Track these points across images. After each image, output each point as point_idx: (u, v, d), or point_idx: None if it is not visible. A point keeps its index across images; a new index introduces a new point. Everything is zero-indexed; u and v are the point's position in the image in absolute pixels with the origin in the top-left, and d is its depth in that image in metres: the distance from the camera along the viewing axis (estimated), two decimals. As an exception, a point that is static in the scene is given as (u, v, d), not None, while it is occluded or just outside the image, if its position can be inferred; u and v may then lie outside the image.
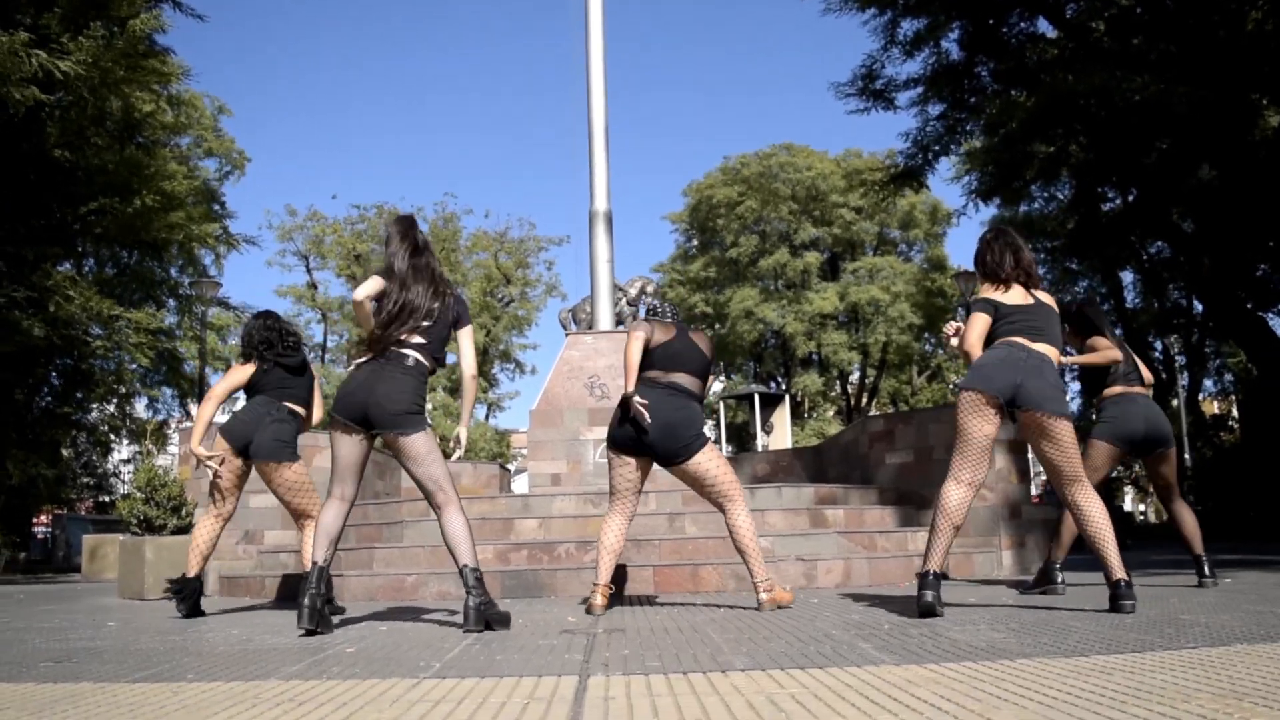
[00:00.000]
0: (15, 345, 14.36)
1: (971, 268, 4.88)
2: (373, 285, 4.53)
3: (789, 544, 7.03)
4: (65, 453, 26.76)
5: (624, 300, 14.40)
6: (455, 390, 32.40)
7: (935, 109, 16.04)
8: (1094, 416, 5.94)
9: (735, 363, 39.55)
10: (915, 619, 4.26)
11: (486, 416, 36.77)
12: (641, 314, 15.08)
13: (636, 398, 4.91)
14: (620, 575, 6.02)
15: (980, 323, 4.54)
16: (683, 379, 5.05)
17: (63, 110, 14.72)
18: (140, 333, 16.13)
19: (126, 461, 33.27)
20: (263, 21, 77.44)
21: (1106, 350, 5.74)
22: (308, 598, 4.23)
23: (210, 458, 5.67)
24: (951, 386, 39.95)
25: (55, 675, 3.19)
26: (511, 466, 29.07)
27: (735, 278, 38.04)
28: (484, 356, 34.95)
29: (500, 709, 2.34)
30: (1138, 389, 5.86)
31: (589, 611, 4.94)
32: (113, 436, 28.83)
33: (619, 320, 13.41)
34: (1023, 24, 15.65)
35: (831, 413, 39.98)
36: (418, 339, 4.47)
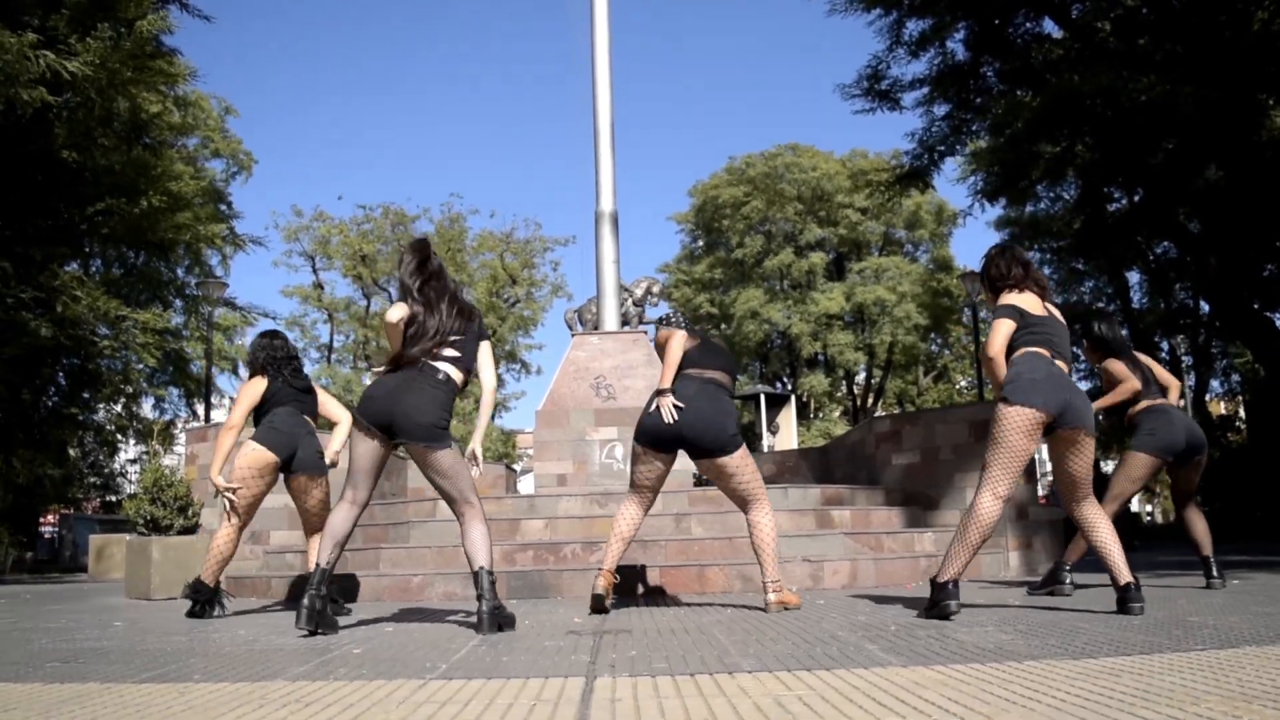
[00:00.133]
0: (23, 347, 14.39)
1: (976, 267, 4.89)
2: (404, 309, 4.52)
3: (795, 545, 7.02)
4: (72, 452, 26.81)
5: (630, 301, 14.39)
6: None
7: (941, 109, 16.02)
8: (1129, 430, 5.95)
9: (741, 363, 39.51)
10: (922, 620, 4.25)
11: (492, 417, 36.80)
12: (648, 314, 15.07)
13: (671, 397, 4.95)
14: (626, 575, 6.01)
15: (1006, 328, 4.48)
16: (720, 376, 5.12)
17: (70, 111, 14.74)
18: (147, 333, 16.14)
19: (133, 461, 33.33)
20: (268, 22, 77.56)
21: (1127, 383, 5.74)
22: (307, 599, 4.24)
23: (229, 489, 5.68)
24: (959, 388, 39.90)
25: (62, 675, 3.19)
26: (517, 467, 29.10)
27: (741, 278, 38.03)
28: (489, 356, 34.92)
29: (507, 710, 2.34)
30: (1163, 400, 5.90)
31: (594, 592, 4.95)
32: (119, 436, 28.87)
33: (625, 321, 13.41)
34: (1028, 24, 15.62)
35: (838, 413, 39.94)
36: (451, 352, 4.50)
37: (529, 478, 15.42)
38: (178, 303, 24.20)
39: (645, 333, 12.48)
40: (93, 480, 31.93)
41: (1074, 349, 4.82)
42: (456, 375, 4.49)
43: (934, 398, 39.03)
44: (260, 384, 5.81)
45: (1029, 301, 4.55)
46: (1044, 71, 15.24)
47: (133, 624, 5.39)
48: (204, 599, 5.61)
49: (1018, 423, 4.29)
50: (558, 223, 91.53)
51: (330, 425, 6.15)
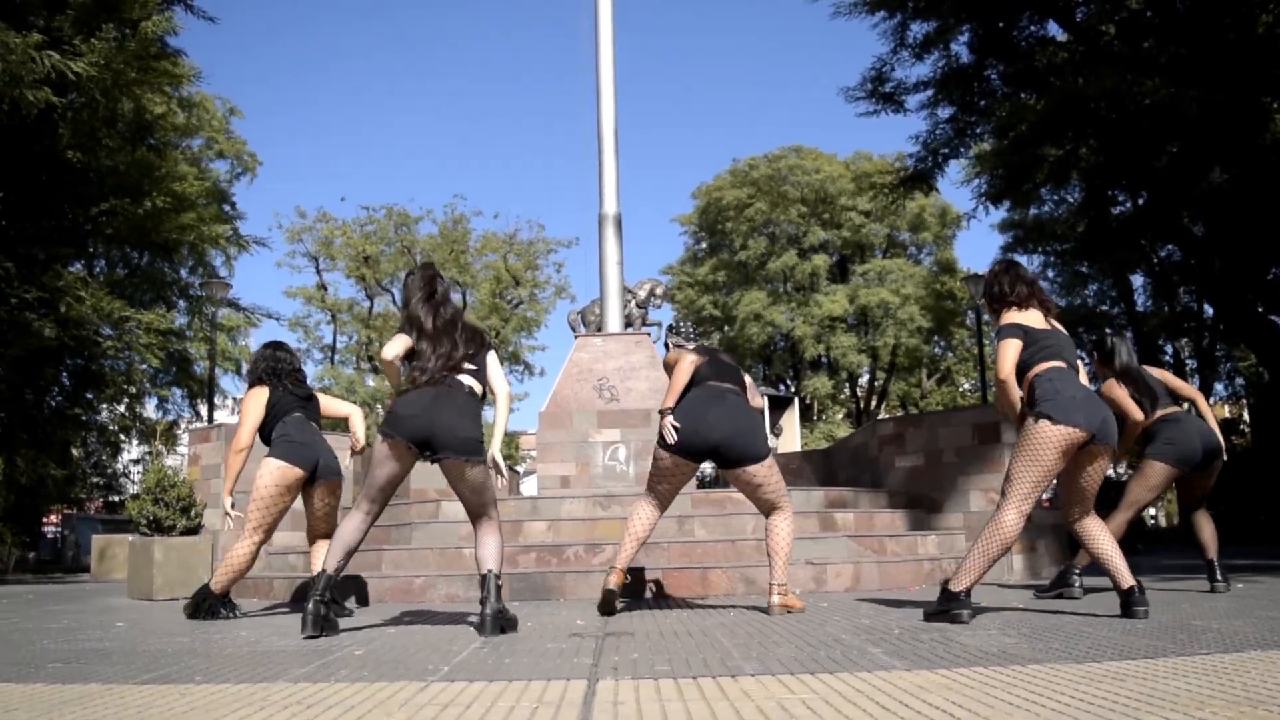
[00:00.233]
0: (27, 347, 14.41)
1: (980, 271, 4.89)
2: (399, 345, 4.53)
3: (798, 547, 7.00)
4: (75, 453, 26.84)
5: (633, 303, 14.39)
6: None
7: (945, 112, 15.97)
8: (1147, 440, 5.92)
9: (744, 365, 39.48)
10: (925, 624, 4.24)
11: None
12: (651, 316, 15.07)
13: (671, 418, 4.99)
14: (630, 577, 6.01)
15: (1014, 349, 4.44)
16: (733, 387, 5.15)
17: (75, 112, 14.76)
18: (150, 333, 16.16)
19: (136, 462, 33.35)
20: (273, 24, 77.65)
21: (1131, 415, 5.58)
22: (313, 604, 4.24)
23: (236, 515, 5.71)
24: (963, 390, 39.86)
25: (63, 676, 3.19)
26: (520, 468, 29.10)
27: (744, 280, 38.02)
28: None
29: (509, 713, 2.33)
30: (1178, 409, 5.90)
31: (606, 593, 4.95)
32: (122, 437, 28.90)
33: (628, 322, 13.41)
34: (1033, 27, 15.59)
35: (841, 415, 39.92)
36: (469, 365, 4.53)
37: (532, 479, 15.41)
38: (181, 303, 24.25)
39: (649, 334, 12.48)
40: (96, 480, 31.97)
41: (1079, 354, 4.79)
42: (478, 388, 4.54)
43: (937, 400, 38.98)
44: (262, 395, 5.79)
45: (1032, 318, 4.53)
46: (1048, 74, 15.21)
47: (135, 625, 5.39)
48: (209, 605, 5.58)
49: (1057, 442, 4.24)
50: (561, 224, 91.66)
51: (334, 425, 6.15)
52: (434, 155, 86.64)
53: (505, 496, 10.81)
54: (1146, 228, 19.83)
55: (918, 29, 15.28)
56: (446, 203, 51.05)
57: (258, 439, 5.81)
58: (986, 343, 22.84)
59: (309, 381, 6.15)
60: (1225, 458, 5.95)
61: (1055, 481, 4.59)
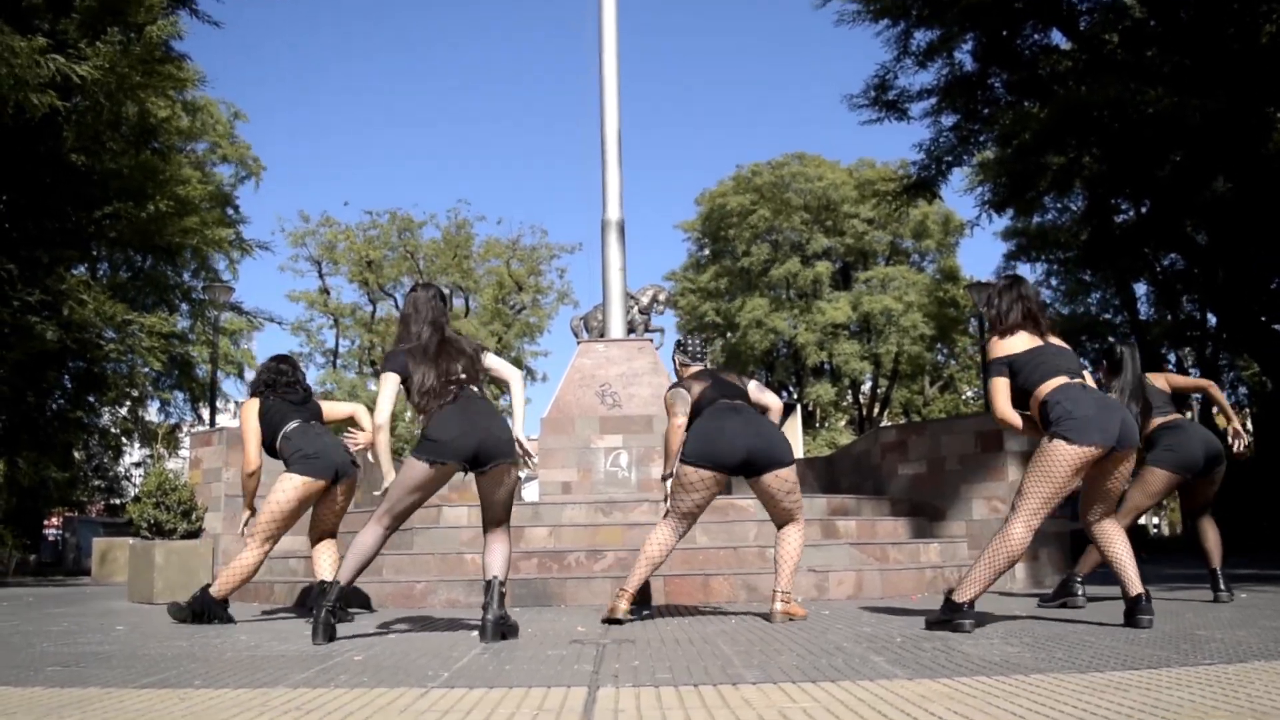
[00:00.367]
0: (29, 350, 14.40)
1: (983, 279, 4.89)
2: (390, 391, 4.55)
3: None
4: (77, 455, 26.83)
5: (636, 308, 14.38)
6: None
7: (948, 120, 15.97)
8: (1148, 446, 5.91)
9: (746, 372, 39.34)
10: (927, 632, 4.23)
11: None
12: (654, 322, 15.06)
13: (673, 480, 5.08)
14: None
15: (1002, 387, 4.48)
16: (742, 402, 5.19)
17: (79, 115, 14.77)
18: (153, 337, 16.16)
19: (138, 465, 33.36)
20: (277, 29, 77.79)
21: None
22: (324, 613, 4.23)
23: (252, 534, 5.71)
24: (965, 398, 39.82)
25: (62, 680, 3.19)
26: (522, 474, 29.06)
27: (746, 287, 38.00)
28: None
29: (509, 720, 2.32)
30: (1179, 416, 5.90)
31: (610, 614, 4.93)
32: (124, 440, 28.90)
33: (631, 328, 13.40)
34: (1036, 36, 15.60)
35: (843, 423, 39.87)
36: (466, 376, 4.56)
37: (533, 485, 15.40)
38: (184, 307, 24.25)
39: (651, 340, 12.47)
40: (97, 483, 31.96)
41: (1083, 363, 4.78)
42: (487, 394, 4.64)
43: (940, 408, 38.95)
44: (254, 407, 5.81)
45: (1017, 342, 4.50)
46: (1052, 83, 15.22)
47: (135, 628, 5.38)
48: (207, 606, 5.57)
49: (1073, 461, 4.21)
50: (564, 230, 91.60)
51: (338, 429, 6.12)
52: (437, 160, 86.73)
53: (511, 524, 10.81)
54: (1149, 236, 19.83)
55: (921, 37, 15.31)
56: (450, 208, 51.02)
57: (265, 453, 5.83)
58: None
59: (312, 386, 6.15)
60: (1225, 462, 5.93)
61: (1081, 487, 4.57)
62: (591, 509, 8.18)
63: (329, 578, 5.46)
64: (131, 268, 22.31)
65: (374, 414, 4.68)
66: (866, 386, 39.19)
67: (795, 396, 36.90)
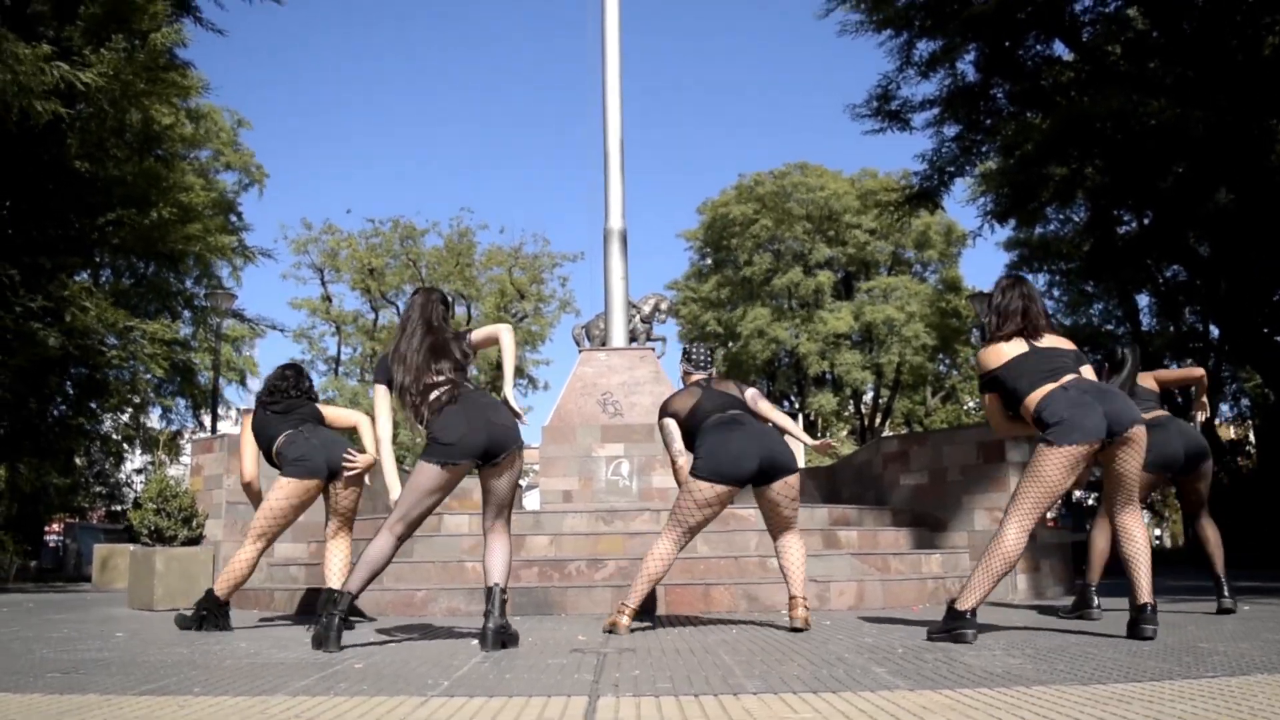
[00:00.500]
0: (31, 356, 14.41)
1: (985, 289, 4.88)
2: (383, 404, 4.61)
3: (805, 577, 6.98)
4: (79, 461, 26.83)
5: (638, 317, 14.39)
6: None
7: (951, 130, 16.01)
8: None
9: (748, 381, 39.41)
10: (929, 643, 4.22)
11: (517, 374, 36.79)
12: (656, 331, 15.05)
13: (693, 465, 5.08)
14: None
15: (994, 404, 4.60)
16: (738, 412, 5.18)
17: (83, 122, 14.80)
18: (155, 343, 16.17)
19: (139, 471, 33.35)
20: (281, 37, 78.01)
21: None
22: (336, 620, 4.23)
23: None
24: (967, 409, 39.79)
25: (62, 687, 3.18)
26: (523, 482, 29.05)
27: (748, 296, 38.01)
28: (497, 371, 34.94)
29: (509, 729, 2.31)
30: (1163, 413, 5.88)
31: (610, 630, 4.91)
32: (126, 446, 28.90)
33: (633, 337, 13.41)
34: (1039, 46, 15.62)
35: (845, 432, 39.85)
36: (454, 368, 4.57)
37: (534, 493, 15.38)
38: (186, 313, 24.28)
39: (653, 349, 12.47)
40: (98, 489, 31.96)
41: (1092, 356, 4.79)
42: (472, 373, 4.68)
43: (942, 418, 38.92)
44: (248, 420, 5.89)
45: (1001, 354, 4.53)
46: (1054, 94, 15.24)
47: (134, 635, 5.37)
48: (208, 609, 5.58)
49: (1058, 462, 4.25)
50: (566, 238, 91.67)
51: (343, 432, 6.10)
52: (440, 168, 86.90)
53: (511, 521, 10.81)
54: (1152, 248, 19.84)
55: (924, 48, 15.35)
56: (452, 216, 51.13)
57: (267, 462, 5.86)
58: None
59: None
60: (1210, 459, 5.90)
61: (1059, 502, 4.57)
62: (592, 518, 8.18)
63: (337, 585, 5.45)
64: (134, 274, 22.33)
65: (375, 428, 4.68)
66: (868, 396, 39.19)
67: (797, 406, 36.92)
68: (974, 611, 4.28)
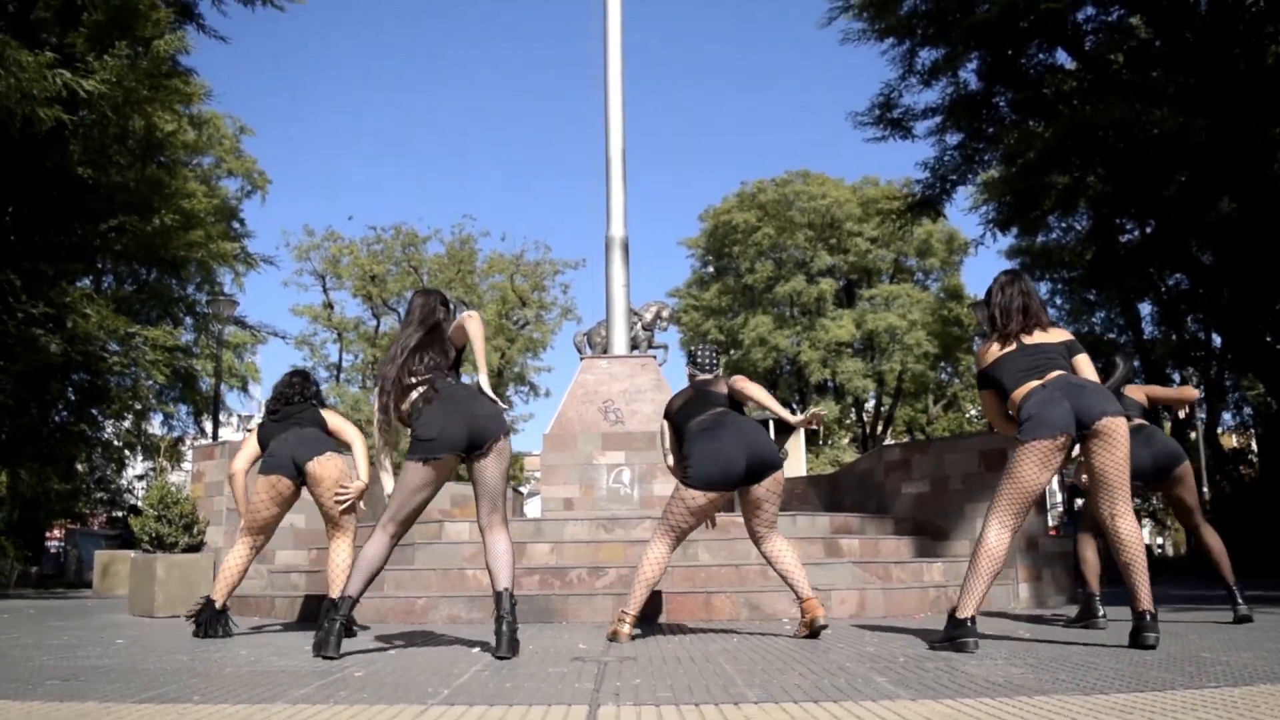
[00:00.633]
0: (32, 362, 14.42)
1: (984, 297, 4.87)
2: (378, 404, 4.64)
3: (807, 575, 6.96)
4: (80, 468, 26.83)
5: (639, 325, 14.38)
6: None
7: (953, 138, 16.00)
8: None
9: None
10: (931, 652, 4.21)
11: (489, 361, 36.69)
12: (657, 338, 15.05)
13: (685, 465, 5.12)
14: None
15: (990, 400, 4.72)
16: (724, 410, 5.22)
17: (86, 128, 14.83)
18: (156, 350, 16.20)
19: (140, 477, 33.33)
20: (284, 44, 78.17)
21: None
22: (337, 625, 4.23)
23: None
24: (969, 417, 39.75)
25: (61, 694, 3.17)
26: (524, 489, 29.04)
27: (750, 304, 38.02)
28: (499, 379, 34.94)
29: (509, 738, 2.30)
30: (1140, 422, 5.85)
31: (613, 639, 4.90)
32: (127, 453, 28.89)
33: (634, 345, 13.40)
34: (1041, 55, 15.63)
35: (847, 440, 39.82)
36: (435, 366, 4.58)
37: (535, 500, 15.38)
38: (188, 320, 24.29)
39: (654, 357, 12.46)
40: (100, 495, 31.94)
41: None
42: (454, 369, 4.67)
43: (944, 426, 38.89)
44: (253, 429, 5.98)
45: (992, 350, 4.63)
46: (1056, 102, 15.24)
47: (135, 642, 5.36)
48: (207, 618, 5.60)
49: (1027, 458, 4.34)
50: (568, 245, 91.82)
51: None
52: (442, 176, 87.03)
53: (509, 518, 10.80)
54: (1154, 256, 19.80)
55: (926, 56, 15.35)
56: (454, 223, 51.15)
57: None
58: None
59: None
60: (1184, 464, 5.85)
61: (1061, 509, 4.56)
62: (593, 525, 8.17)
63: (335, 592, 5.46)
64: (136, 281, 22.36)
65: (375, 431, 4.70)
66: (870, 404, 39.17)
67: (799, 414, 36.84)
68: (974, 620, 4.27)
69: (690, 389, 5.41)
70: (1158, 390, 6.22)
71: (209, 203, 20.64)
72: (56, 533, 32.41)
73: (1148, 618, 4.22)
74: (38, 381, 16.31)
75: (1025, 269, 27.63)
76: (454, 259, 34.43)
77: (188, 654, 4.57)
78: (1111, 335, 29.39)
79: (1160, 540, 46.17)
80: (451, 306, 4.89)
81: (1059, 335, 4.60)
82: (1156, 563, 28.38)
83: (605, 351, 12.29)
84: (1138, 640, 4.21)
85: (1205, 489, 27.21)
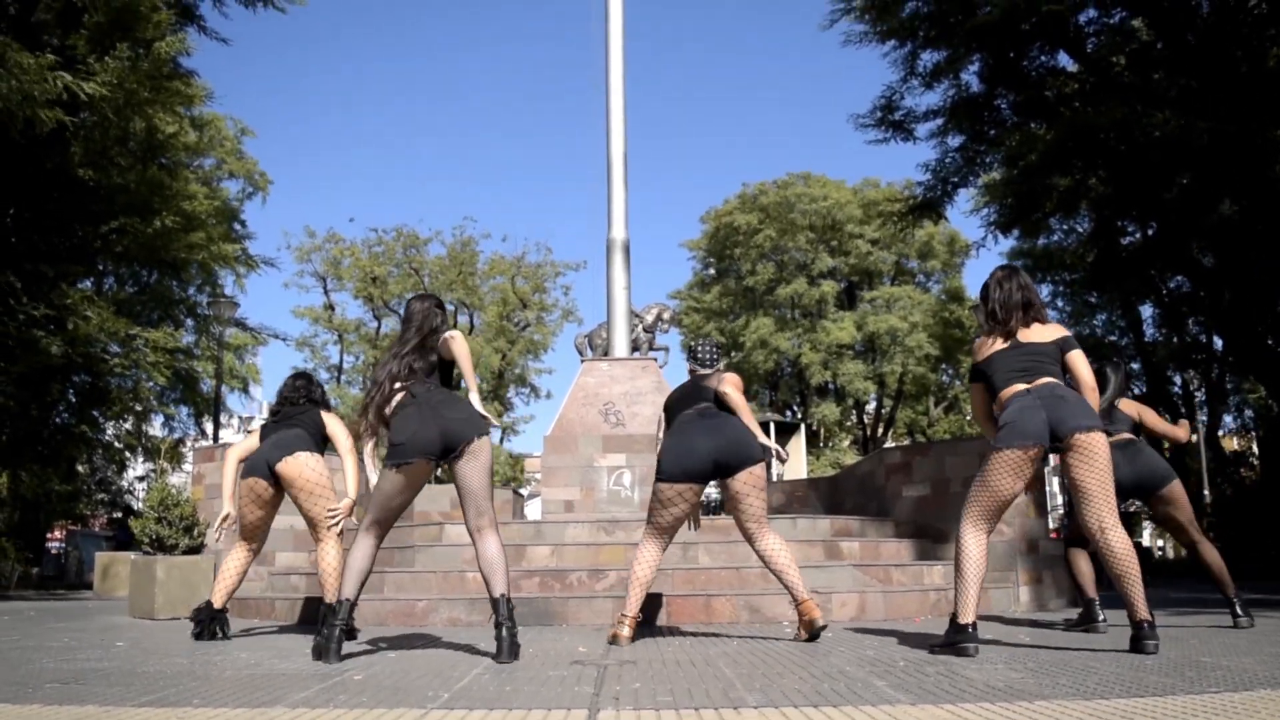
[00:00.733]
0: (33, 364, 14.43)
1: (981, 292, 4.86)
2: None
3: (803, 575, 6.94)
4: (80, 468, 26.83)
5: (640, 327, 14.38)
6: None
7: (954, 140, 16.01)
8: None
9: (751, 390, 39.42)
10: (931, 656, 4.20)
11: (501, 440, 36.77)
12: (659, 340, 15.04)
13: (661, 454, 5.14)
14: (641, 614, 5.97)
15: (976, 393, 4.76)
16: (706, 405, 5.21)
17: (87, 130, 14.85)
18: (157, 351, 16.21)
19: (141, 478, 33.35)
20: (285, 45, 78.25)
21: None
22: (337, 630, 4.23)
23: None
24: (970, 419, 39.72)
25: (61, 697, 3.17)
26: (524, 491, 29.04)
27: (751, 306, 38.02)
28: (499, 380, 34.94)
29: (508, 743, 2.30)
30: (1125, 436, 5.83)
31: (613, 641, 4.91)
32: (128, 454, 28.90)
33: (635, 347, 13.40)
34: (1043, 57, 15.64)
35: (847, 442, 39.80)
36: (419, 378, 4.55)
37: (536, 502, 15.38)
38: (189, 321, 24.32)
39: (655, 359, 12.47)
40: (100, 497, 31.95)
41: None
42: (442, 381, 4.61)
43: (945, 429, 38.87)
44: (254, 438, 5.97)
45: (987, 345, 4.63)
46: (1058, 104, 15.25)
47: (135, 644, 5.36)
48: (205, 619, 5.61)
49: (998, 466, 4.38)
50: (569, 247, 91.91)
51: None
52: (443, 177, 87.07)
53: (509, 520, 10.81)
54: (1156, 258, 19.80)
55: (928, 58, 15.36)
56: (455, 224, 51.19)
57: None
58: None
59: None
60: (1171, 485, 5.81)
61: (1063, 513, 4.55)
62: (594, 528, 8.16)
63: (330, 596, 5.46)
64: (137, 282, 22.39)
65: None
66: (871, 406, 39.15)
67: (799, 416, 36.88)
68: (975, 625, 4.27)
69: (689, 383, 5.43)
70: (1153, 418, 6.14)
71: (210, 204, 20.64)
72: (57, 534, 32.40)
73: (1146, 626, 4.21)
74: (38, 383, 16.31)
75: (1027, 271, 27.66)
76: (455, 261, 34.44)
77: (188, 657, 4.57)
78: (1113, 338, 29.39)
79: (1160, 543, 46.14)
80: (443, 311, 4.87)
81: (1055, 332, 4.58)
82: (1157, 566, 28.41)
83: (606, 353, 12.30)
84: (1138, 647, 4.21)
85: (1206, 492, 27.20)
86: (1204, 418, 28.52)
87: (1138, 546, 26.09)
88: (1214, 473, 28.30)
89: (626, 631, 4.94)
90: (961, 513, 4.50)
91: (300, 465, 5.64)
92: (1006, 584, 7.90)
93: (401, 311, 4.90)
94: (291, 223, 65.60)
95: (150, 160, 17.05)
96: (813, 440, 36.41)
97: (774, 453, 5.25)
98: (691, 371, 5.54)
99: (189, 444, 29.66)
